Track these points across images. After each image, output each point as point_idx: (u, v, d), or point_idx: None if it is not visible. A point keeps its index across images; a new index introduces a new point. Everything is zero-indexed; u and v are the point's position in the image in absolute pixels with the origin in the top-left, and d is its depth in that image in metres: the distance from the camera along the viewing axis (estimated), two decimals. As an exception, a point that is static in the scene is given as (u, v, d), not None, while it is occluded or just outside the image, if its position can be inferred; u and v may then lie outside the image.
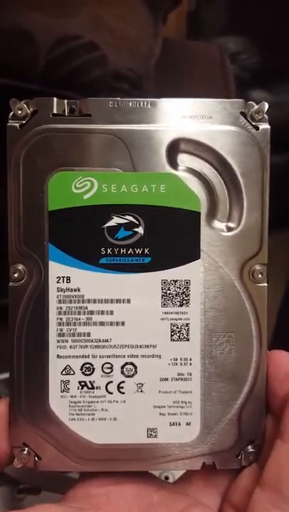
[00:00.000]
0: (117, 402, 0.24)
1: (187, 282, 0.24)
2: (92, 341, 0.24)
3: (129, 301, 0.24)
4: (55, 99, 0.23)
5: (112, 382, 0.24)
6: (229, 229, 0.24)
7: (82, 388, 0.24)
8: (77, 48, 0.31)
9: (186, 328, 0.24)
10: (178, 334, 0.24)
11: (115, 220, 0.24)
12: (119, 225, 0.24)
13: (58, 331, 0.24)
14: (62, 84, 0.29)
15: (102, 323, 0.24)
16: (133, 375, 0.24)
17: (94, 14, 0.31)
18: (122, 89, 0.32)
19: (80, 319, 0.24)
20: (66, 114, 0.24)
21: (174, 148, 0.24)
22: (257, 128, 0.24)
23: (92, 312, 0.24)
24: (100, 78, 0.31)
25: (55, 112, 0.23)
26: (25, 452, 0.24)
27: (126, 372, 0.24)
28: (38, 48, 0.31)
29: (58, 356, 0.24)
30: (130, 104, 0.23)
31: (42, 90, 0.30)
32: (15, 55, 0.31)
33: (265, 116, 0.24)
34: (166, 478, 0.33)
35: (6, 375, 0.33)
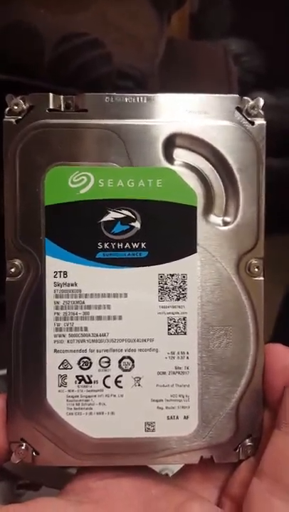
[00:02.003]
0: (114, 396, 0.24)
1: (184, 276, 0.24)
2: (89, 336, 0.24)
3: (126, 295, 0.24)
4: (51, 94, 0.23)
5: (109, 376, 0.24)
6: (225, 223, 0.24)
7: (79, 382, 0.24)
8: (83, 45, 0.31)
9: (183, 322, 0.24)
10: (175, 328, 0.24)
11: (112, 215, 0.24)
12: (116, 220, 0.24)
13: (55, 326, 0.24)
14: (67, 81, 0.29)
15: (99, 318, 0.24)
16: (130, 369, 0.24)
17: (100, 12, 0.31)
18: (126, 87, 0.32)
19: (77, 314, 0.24)
20: (62, 109, 0.24)
21: (170, 143, 0.24)
22: (252, 123, 0.24)
23: (89, 306, 0.24)
24: (104, 76, 0.31)
25: (51, 107, 0.23)
26: (22, 447, 0.24)
27: (123, 367, 0.24)
28: (43, 44, 0.31)
29: (56, 351, 0.24)
30: (126, 99, 0.23)
31: (47, 87, 0.30)
32: (20, 52, 0.31)
33: (261, 111, 0.24)
34: (166, 475, 0.33)
35: (3, 372, 0.33)
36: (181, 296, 0.24)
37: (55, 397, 0.24)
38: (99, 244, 0.24)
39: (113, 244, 0.24)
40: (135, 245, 0.24)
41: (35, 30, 0.31)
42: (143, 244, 0.24)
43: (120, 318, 0.24)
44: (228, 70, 0.40)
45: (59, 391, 0.24)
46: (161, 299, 0.24)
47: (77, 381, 0.24)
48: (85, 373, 0.24)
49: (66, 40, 0.32)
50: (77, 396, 0.24)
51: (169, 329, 0.24)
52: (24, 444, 0.24)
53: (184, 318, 0.24)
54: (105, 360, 0.24)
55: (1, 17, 0.31)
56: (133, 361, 0.24)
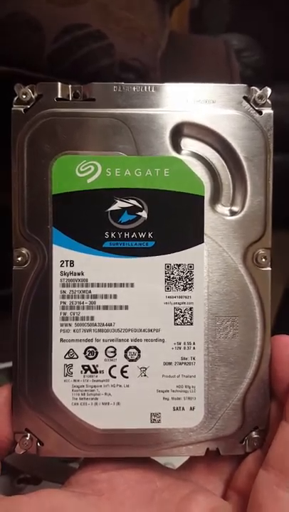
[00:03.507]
0: (120, 386, 0.24)
1: (191, 266, 0.24)
2: (95, 325, 0.24)
3: (132, 285, 0.24)
4: (59, 83, 0.24)
5: (115, 366, 0.24)
6: (233, 213, 0.24)
7: (85, 372, 0.24)
8: (84, 36, 0.31)
9: (189, 312, 0.24)
10: (181, 318, 0.24)
11: (119, 204, 0.24)
12: (123, 209, 0.24)
13: (62, 315, 0.24)
14: (68, 73, 0.29)
15: (105, 307, 0.24)
16: (136, 359, 0.24)
17: (101, 3, 0.31)
18: (128, 80, 0.32)
19: (83, 303, 0.24)
20: (70, 98, 0.24)
21: (178, 132, 0.24)
22: (260, 112, 0.24)
23: (95, 296, 0.24)
24: (106, 68, 0.31)
25: (59, 96, 0.24)
26: (27, 438, 0.24)
27: (129, 356, 0.24)
28: (44, 36, 0.31)
29: (62, 340, 0.24)
30: (134, 88, 0.24)
31: (48, 79, 0.29)
32: (21, 43, 0.31)
33: (268, 101, 0.24)
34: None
35: (8, 365, 0.33)
36: (188, 286, 0.24)
37: (61, 387, 0.24)
38: (106, 233, 0.24)
39: (120, 234, 0.24)
40: (142, 235, 0.24)
41: (35, 21, 0.31)
42: (150, 234, 0.24)
43: (127, 307, 0.24)
44: (230, 65, 0.40)
45: (64, 381, 0.24)
46: (168, 289, 0.24)
47: (83, 371, 0.24)
48: (90, 363, 0.24)
49: (67, 31, 0.32)
50: (83, 386, 0.24)
51: (175, 319, 0.24)
52: (29, 434, 0.24)
53: (191, 309, 0.24)
54: (111, 350, 0.24)
55: (0, 8, 0.31)
56: (139, 351, 0.24)
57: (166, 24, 0.35)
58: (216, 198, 0.24)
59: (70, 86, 0.24)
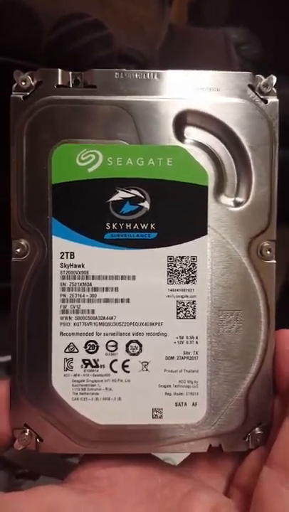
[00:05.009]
0: (121, 381, 0.23)
1: (194, 259, 0.23)
2: (96, 318, 0.23)
3: (134, 277, 0.23)
4: (59, 70, 0.23)
5: (116, 360, 0.23)
6: (237, 204, 0.23)
7: (85, 367, 0.23)
8: (82, 26, 0.30)
9: (192, 305, 0.23)
10: (184, 312, 0.23)
11: (120, 194, 0.23)
12: (125, 200, 0.23)
13: (62, 308, 0.23)
14: (66, 64, 0.28)
15: (106, 300, 0.23)
16: (138, 353, 0.23)
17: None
18: (126, 71, 0.31)
19: (84, 296, 0.23)
20: (71, 85, 0.23)
21: (181, 121, 0.23)
22: (265, 101, 0.23)
23: (96, 289, 0.23)
24: (104, 58, 0.31)
25: (59, 83, 0.23)
26: (26, 434, 0.23)
27: (131, 351, 0.23)
28: (41, 25, 0.30)
29: (62, 333, 0.23)
30: (136, 75, 0.23)
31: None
32: (17, 33, 0.30)
33: (274, 89, 0.23)
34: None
35: (6, 358, 0.32)
36: (191, 279, 0.23)
37: (61, 382, 0.23)
38: (107, 224, 0.23)
39: (121, 225, 0.23)
40: (144, 226, 0.23)
41: (32, 11, 0.30)
42: (152, 225, 0.23)
43: (128, 301, 0.23)
44: (230, 58, 0.39)
45: (64, 375, 0.23)
46: (170, 281, 0.23)
47: (84, 365, 0.23)
48: (91, 357, 0.23)
49: (65, 21, 0.31)
50: (83, 381, 0.23)
51: (178, 313, 0.23)
52: (28, 430, 0.23)
53: (194, 302, 0.23)
54: (112, 343, 0.23)
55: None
56: (141, 345, 0.23)
57: (166, 15, 0.34)
58: (220, 189, 0.23)
59: (70, 73, 0.23)
